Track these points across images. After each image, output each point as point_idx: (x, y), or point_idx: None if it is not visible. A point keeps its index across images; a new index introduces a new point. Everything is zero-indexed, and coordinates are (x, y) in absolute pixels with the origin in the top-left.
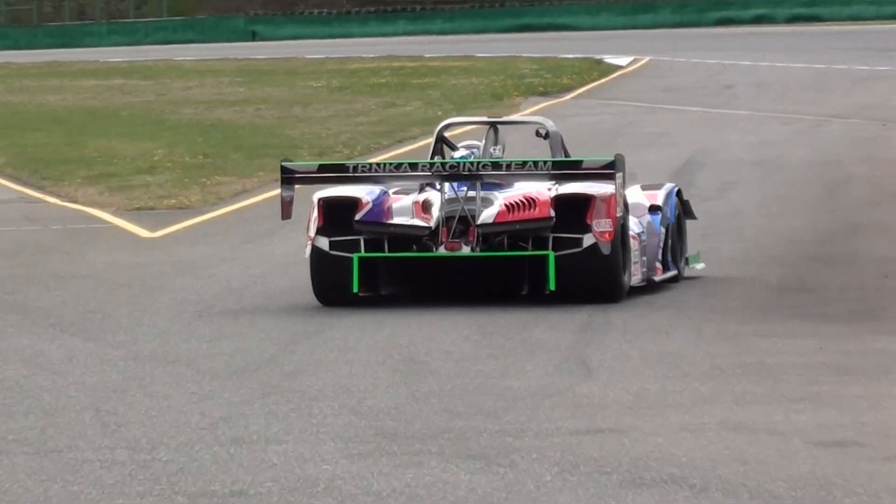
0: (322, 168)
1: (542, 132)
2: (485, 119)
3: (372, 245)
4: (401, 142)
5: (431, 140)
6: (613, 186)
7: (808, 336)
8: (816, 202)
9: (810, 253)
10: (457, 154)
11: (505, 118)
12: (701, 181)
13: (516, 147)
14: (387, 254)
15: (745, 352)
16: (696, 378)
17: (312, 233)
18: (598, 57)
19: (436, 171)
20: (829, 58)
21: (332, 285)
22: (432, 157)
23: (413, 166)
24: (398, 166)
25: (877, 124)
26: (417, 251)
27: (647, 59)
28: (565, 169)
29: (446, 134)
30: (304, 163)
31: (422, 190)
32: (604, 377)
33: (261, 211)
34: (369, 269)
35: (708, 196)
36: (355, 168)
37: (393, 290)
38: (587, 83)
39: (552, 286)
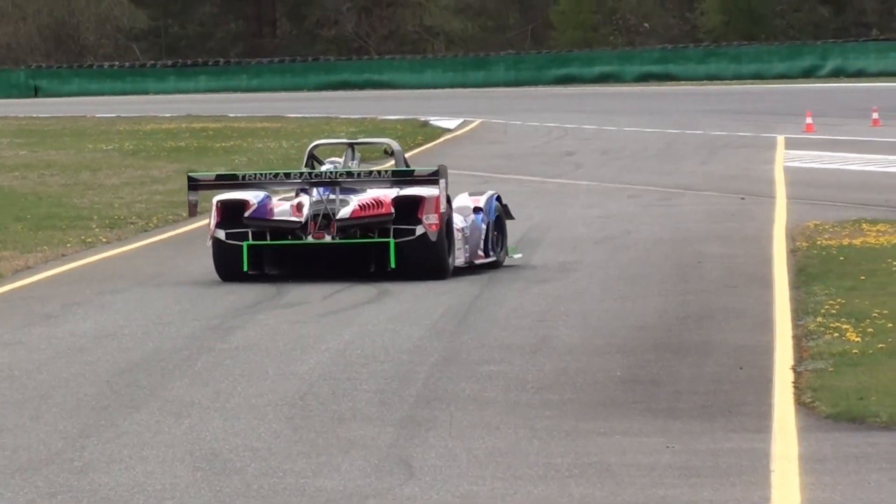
0: (218, 177)
1: (389, 150)
2: (345, 140)
3: (259, 236)
4: (202, 213)
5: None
6: (438, 189)
7: (654, 433)
8: (666, 284)
9: (659, 341)
10: (324, 167)
11: (360, 140)
12: (538, 260)
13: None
14: (268, 242)
15: (585, 451)
16: (530, 480)
17: (213, 227)
18: (423, 119)
19: (305, 179)
20: (682, 122)
21: (230, 266)
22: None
23: (287, 175)
24: (276, 175)
25: (734, 197)
26: (292, 241)
27: (478, 121)
28: (401, 177)
29: (315, 152)
30: (205, 173)
31: (297, 195)
32: (427, 478)
33: (46, 290)
34: (256, 254)
35: (546, 277)
36: (244, 177)
37: (274, 270)
38: (411, 148)
39: (393, 265)
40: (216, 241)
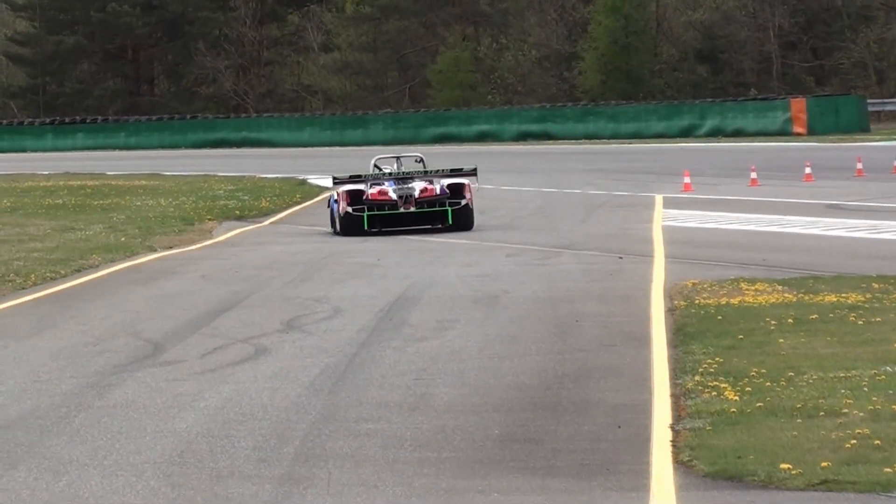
0: (350, 177)
1: (418, 159)
2: (392, 155)
3: (370, 209)
4: (79, 271)
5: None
6: (469, 179)
7: (532, 492)
8: (545, 343)
9: (537, 400)
10: (386, 170)
11: (402, 154)
12: (415, 319)
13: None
14: (379, 212)
15: None
16: None
17: (344, 204)
18: (301, 177)
19: (395, 176)
20: (561, 180)
21: (353, 228)
22: (372, 172)
23: (388, 174)
24: (384, 174)
25: (613, 256)
26: (393, 211)
27: None
28: (454, 173)
29: (377, 163)
30: (342, 174)
31: (371, 185)
32: None
33: None
34: (371, 219)
35: (424, 335)
36: (364, 176)
37: (382, 228)
38: (289, 206)
39: (450, 222)
40: (346, 213)
